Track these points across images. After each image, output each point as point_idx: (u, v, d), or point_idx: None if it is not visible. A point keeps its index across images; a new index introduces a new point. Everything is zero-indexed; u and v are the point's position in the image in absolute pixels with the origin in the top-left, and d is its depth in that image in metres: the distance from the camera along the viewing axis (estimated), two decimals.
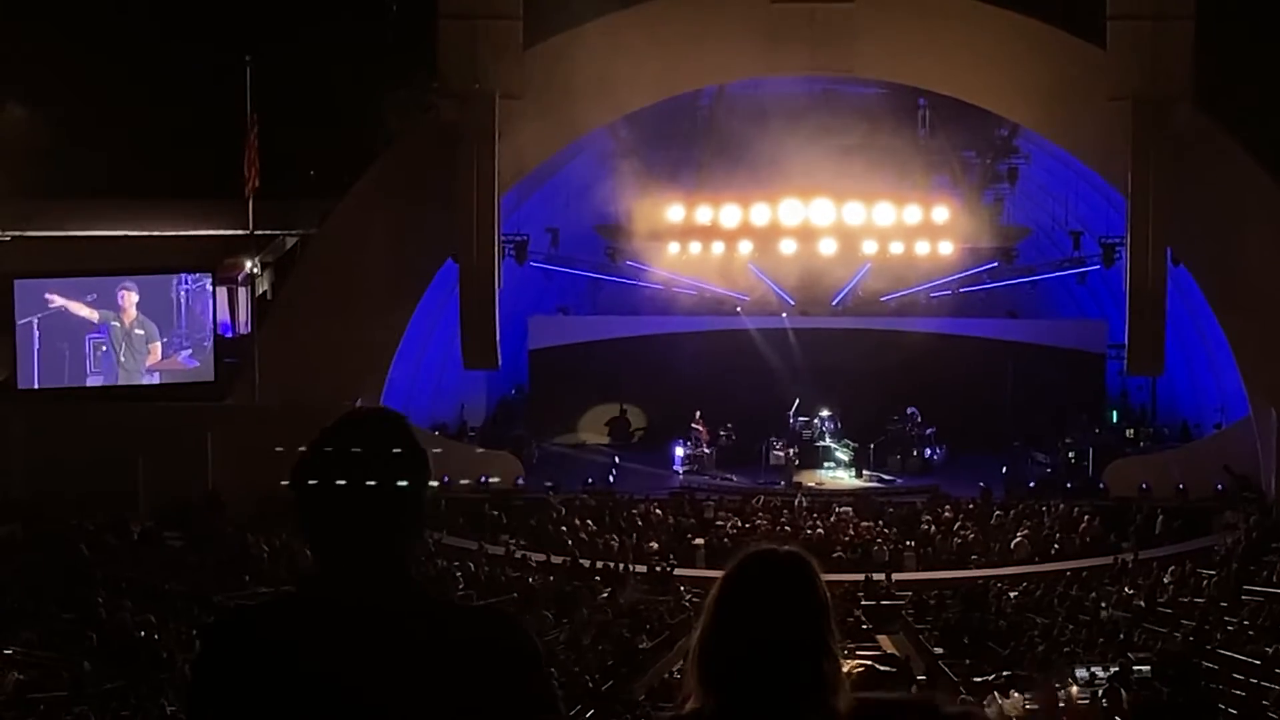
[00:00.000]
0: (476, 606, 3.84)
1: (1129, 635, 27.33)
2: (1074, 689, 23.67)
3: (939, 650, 27.71)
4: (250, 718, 3.56)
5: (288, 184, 40.34)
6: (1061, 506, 36.84)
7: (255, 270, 40.01)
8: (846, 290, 43.63)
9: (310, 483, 3.65)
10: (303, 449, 3.73)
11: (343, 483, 3.61)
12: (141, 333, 38.33)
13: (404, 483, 3.67)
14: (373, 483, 3.62)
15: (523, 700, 3.59)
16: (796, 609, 3.80)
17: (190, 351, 38.35)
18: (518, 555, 33.55)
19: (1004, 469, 40.11)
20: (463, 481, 36.85)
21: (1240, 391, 38.24)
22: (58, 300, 37.78)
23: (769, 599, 3.79)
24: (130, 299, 38.26)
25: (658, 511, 36.91)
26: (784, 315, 43.88)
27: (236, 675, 3.57)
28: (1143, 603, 30.01)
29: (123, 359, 38.28)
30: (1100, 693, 23.39)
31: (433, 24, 37.62)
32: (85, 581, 28.37)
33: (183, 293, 38.35)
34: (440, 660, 3.54)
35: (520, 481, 39.04)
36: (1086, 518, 36.20)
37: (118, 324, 38.22)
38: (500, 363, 39.08)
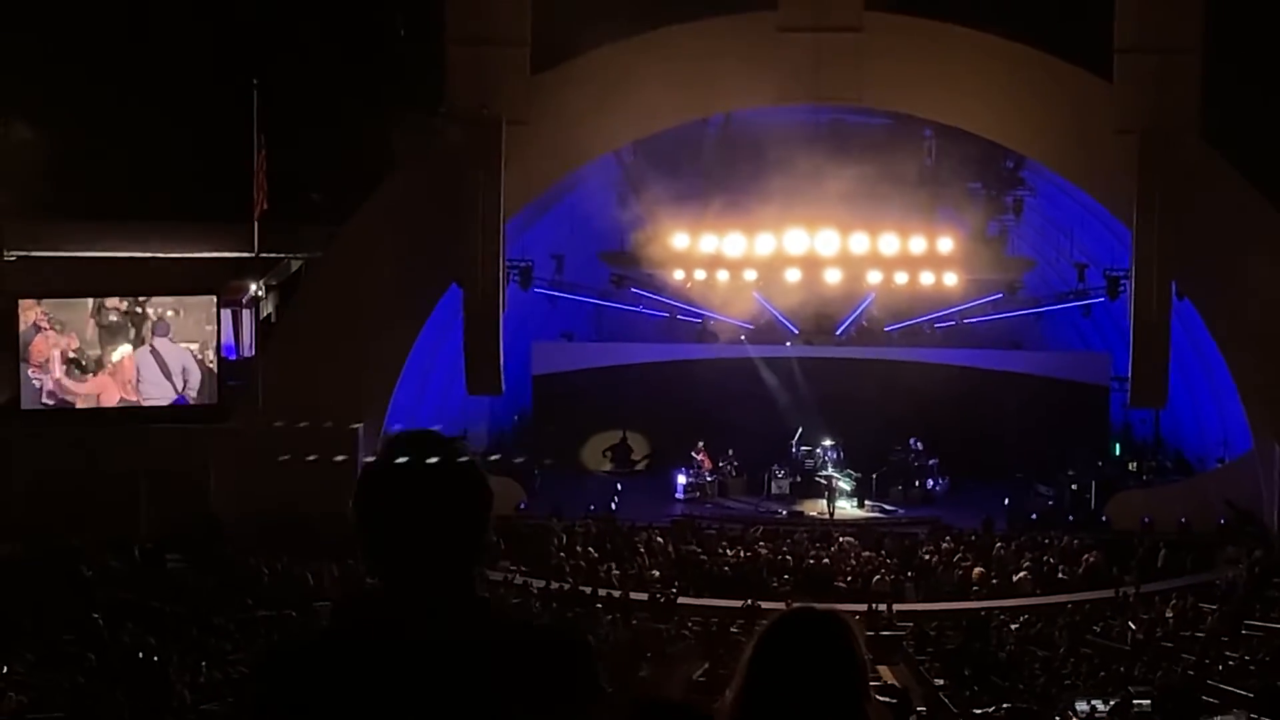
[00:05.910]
0: (546, 627, 3.71)
1: (1129, 668, 27.26)
2: None
3: (939, 681, 27.64)
4: None
5: (293, 207, 40.35)
6: (1064, 539, 36.77)
7: (260, 293, 40.03)
8: (850, 320, 43.65)
9: (377, 503, 3.58)
10: (365, 465, 3.66)
11: (413, 503, 3.55)
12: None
13: (470, 501, 3.63)
14: (444, 502, 3.57)
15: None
16: (835, 669, 3.75)
17: None
18: (518, 581, 33.42)
19: (1006, 501, 40.02)
20: None
21: (1244, 426, 38.20)
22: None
23: (809, 659, 3.74)
24: None
25: (659, 539, 36.86)
26: (788, 344, 43.85)
27: (303, 714, 3.44)
28: (1142, 635, 29.95)
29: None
30: None
31: (441, 49, 37.76)
32: (86, 602, 28.33)
33: None
34: (510, 686, 3.48)
35: (522, 506, 38.97)
36: (1088, 550, 36.13)
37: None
38: (504, 388, 39.07)
